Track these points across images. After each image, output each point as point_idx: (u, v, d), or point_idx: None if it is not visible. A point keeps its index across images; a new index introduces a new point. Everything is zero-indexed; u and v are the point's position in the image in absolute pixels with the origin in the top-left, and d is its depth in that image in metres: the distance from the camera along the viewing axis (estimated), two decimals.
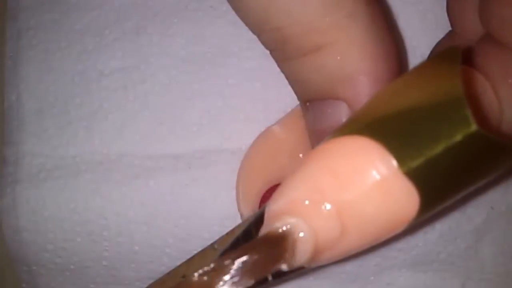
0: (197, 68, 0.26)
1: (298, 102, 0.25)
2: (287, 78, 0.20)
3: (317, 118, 0.20)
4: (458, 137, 0.15)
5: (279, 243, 0.16)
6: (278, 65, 0.20)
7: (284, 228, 0.16)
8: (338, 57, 0.18)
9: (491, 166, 0.16)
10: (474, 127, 0.15)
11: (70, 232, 0.26)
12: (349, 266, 0.26)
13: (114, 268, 0.26)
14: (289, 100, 0.26)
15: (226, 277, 0.15)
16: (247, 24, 0.19)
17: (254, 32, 0.20)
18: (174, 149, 0.26)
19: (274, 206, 0.16)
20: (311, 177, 0.16)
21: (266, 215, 0.17)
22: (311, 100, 0.20)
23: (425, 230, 0.26)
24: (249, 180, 0.24)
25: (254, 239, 0.16)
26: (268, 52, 0.26)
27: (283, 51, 0.19)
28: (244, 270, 0.15)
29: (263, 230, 0.16)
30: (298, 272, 0.17)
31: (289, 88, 0.26)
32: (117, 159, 0.26)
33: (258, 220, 0.17)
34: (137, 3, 0.27)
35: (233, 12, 0.26)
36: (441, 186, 0.16)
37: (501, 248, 0.27)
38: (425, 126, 0.15)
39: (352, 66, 0.18)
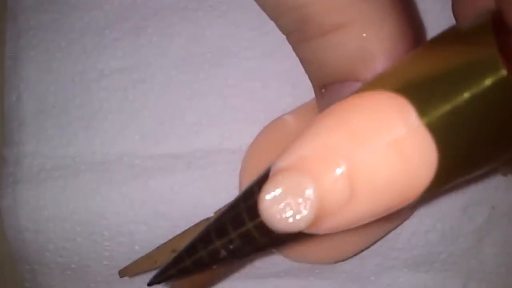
0: (197, 68, 0.26)
1: (298, 103, 0.25)
2: (303, 62, 0.20)
3: (334, 102, 0.20)
4: (487, 83, 0.14)
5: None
6: (295, 49, 0.20)
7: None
8: (358, 36, 0.18)
9: None
10: (503, 72, 0.14)
11: (70, 232, 0.26)
12: (349, 266, 0.26)
13: (114, 268, 0.26)
14: (289, 100, 0.26)
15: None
16: (265, 7, 0.19)
17: (271, 15, 0.19)
18: (174, 149, 0.26)
19: (281, 163, 0.15)
20: (324, 133, 0.15)
21: (271, 173, 0.15)
22: (327, 83, 0.19)
23: (426, 230, 0.26)
24: (255, 166, 0.24)
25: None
26: (268, 52, 0.26)
27: (302, 32, 0.19)
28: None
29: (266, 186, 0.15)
30: (296, 240, 0.16)
31: (289, 88, 0.26)
32: (117, 159, 0.26)
33: (261, 180, 0.16)
34: (137, 3, 0.27)
35: (233, 12, 0.27)
36: (463, 147, 0.15)
37: (502, 248, 0.26)
38: (452, 75, 0.14)
39: (371, 45, 0.18)
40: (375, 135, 0.14)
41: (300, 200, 0.15)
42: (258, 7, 0.27)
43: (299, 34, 0.19)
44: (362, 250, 0.25)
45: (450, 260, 0.26)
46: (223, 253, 0.17)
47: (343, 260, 0.25)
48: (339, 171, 0.14)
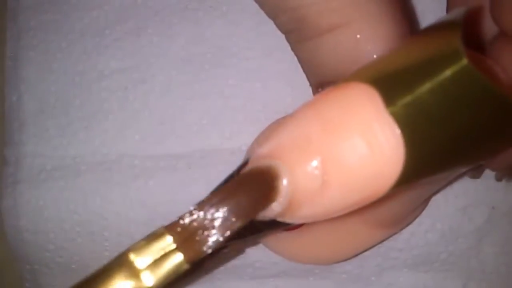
0: (197, 68, 0.26)
1: (298, 103, 0.25)
2: (301, 62, 0.20)
3: None
4: (448, 72, 0.14)
5: (263, 179, 0.15)
6: (293, 49, 0.20)
7: (268, 165, 0.15)
8: (353, 37, 0.18)
9: (489, 125, 0.15)
10: (465, 61, 0.14)
11: (70, 232, 0.26)
12: (350, 266, 0.26)
13: None
14: (289, 100, 0.26)
15: (214, 223, 0.14)
16: (264, 7, 0.19)
17: (270, 15, 0.19)
18: (174, 149, 0.26)
19: (259, 150, 0.16)
20: (300, 124, 0.15)
21: (250, 160, 0.16)
22: (324, 82, 0.20)
23: (426, 230, 0.26)
24: None
25: (236, 177, 0.15)
26: (268, 52, 0.26)
27: (299, 32, 0.19)
28: (229, 212, 0.15)
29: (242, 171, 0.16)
30: (272, 228, 0.16)
31: (289, 88, 0.26)
32: (117, 159, 0.26)
33: (241, 167, 0.16)
34: (137, 3, 0.27)
35: (233, 12, 0.27)
36: (431, 141, 0.15)
37: (502, 248, 0.26)
38: (417, 66, 0.15)
39: (367, 46, 0.18)
40: (346, 126, 0.15)
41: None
42: (258, 7, 0.27)
43: (297, 33, 0.19)
44: (362, 252, 0.25)
45: (450, 260, 0.26)
46: None
47: (343, 261, 0.25)
48: (312, 160, 0.15)
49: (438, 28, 0.16)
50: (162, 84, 0.26)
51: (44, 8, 0.27)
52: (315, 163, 0.15)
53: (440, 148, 0.15)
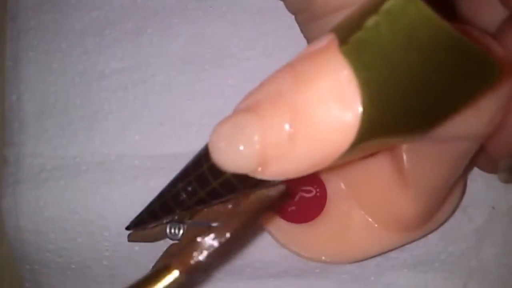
0: (197, 68, 0.26)
1: None
2: (309, 43, 0.20)
3: None
4: (390, 2, 0.13)
5: None
6: (302, 30, 0.20)
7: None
8: None
9: (445, 67, 0.15)
10: None
11: (70, 232, 0.26)
12: (349, 266, 0.26)
13: (114, 268, 0.26)
14: None
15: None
16: None
17: None
18: (174, 149, 0.26)
19: (241, 104, 0.16)
20: (276, 79, 0.15)
21: (232, 112, 0.16)
22: None
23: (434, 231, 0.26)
24: None
25: None
26: (268, 52, 0.26)
27: (308, 12, 0.19)
28: None
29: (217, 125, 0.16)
30: (247, 186, 0.16)
31: None
32: (117, 159, 0.26)
33: (206, 147, 0.16)
34: (137, 3, 0.27)
35: (233, 13, 0.27)
36: (387, 78, 0.14)
37: (502, 248, 0.26)
38: (368, 5, 0.14)
39: None
40: (312, 75, 0.15)
41: (244, 137, 0.15)
42: (258, 7, 0.27)
43: (305, 13, 0.19)
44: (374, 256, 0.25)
45: (450, 260, 0.26)
46: (182, 195, 0.18)
47: (351, 263, 0.26)
48: (281, 113, 0.15)
49: None
50: (162, 84, 0.26)
51: (44, 8, 0.27)
52: (284, 116, 0.15)
53: (399, 92, 0.15)
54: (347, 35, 0.14)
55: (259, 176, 0.16)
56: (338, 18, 0.18)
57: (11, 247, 0.26)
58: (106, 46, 0.26)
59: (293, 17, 0.21)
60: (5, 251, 0.27)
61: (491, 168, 0.24)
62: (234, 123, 0.15)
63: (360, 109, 0.14)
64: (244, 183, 0.17)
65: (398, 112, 0.15)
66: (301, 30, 0.20)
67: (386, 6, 0.14)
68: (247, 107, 0.15)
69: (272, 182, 0.17)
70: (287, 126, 0.15)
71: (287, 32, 0.26)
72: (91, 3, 0.27)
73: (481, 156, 0.23)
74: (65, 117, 0.26)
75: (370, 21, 0.14)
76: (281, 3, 0.20)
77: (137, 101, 0.26)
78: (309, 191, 0.25)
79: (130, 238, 0.22)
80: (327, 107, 0.14)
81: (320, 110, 0.15)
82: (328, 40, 0.15)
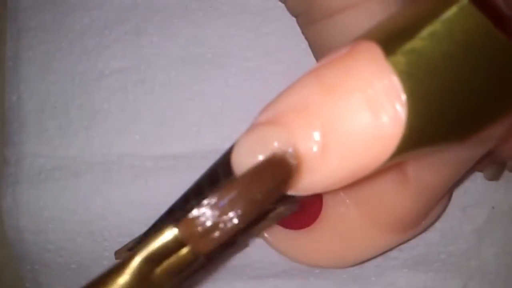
0: (197, 68, 0.26)
1: None
2: (311, 45, 0.20)
3: None
4: (448, 13, 0.13)
5: (277, 171, 0.14)
6: (303, 31, 0.20)
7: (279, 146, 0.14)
8: (364, 18, 0.18)
9: (496, 79, 0.14)
10: (465, 1, 0.13)
11: (70, 232, 0.26)
12: (350, 267, 0.26)
13: None
14: None
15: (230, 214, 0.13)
16: None
17: None
18: (174, 149, 0.26)
19: (258, 118, 0.15)
20: (300, 89, 0.14)
21: (251, 126, 0.15)
22: None
23: (426, 230, 0.26)
24: None
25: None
26: (268, 52, 0.26)
27: (309, 14, 0.19)
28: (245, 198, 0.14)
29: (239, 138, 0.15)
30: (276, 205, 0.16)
31: None
32: (117, 159, 0.26)
33: (224, 162, 0.15)
34: (137, 3, 0.27)
35: (233, 13, 0.26)
36: (435, 89, 0.14)
37: (502, 248, 0.26)
38: (417, 14, 0.14)
39: None
40: (345, 84, 0.14)
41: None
42: (258, 7, 0.27)
43: (307, 15, 0.19)
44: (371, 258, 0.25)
45: (450, 260, 0.26)
46: None
47: (349, 267, 0.25)
48: (310, 124, 0.14)
49: None
50: (162, 84, 0.26)
51: (44, 8, 0.27)
52: (314, 127, 0.14)
53: (445, 102, 0.14)
54: (394, 44, 0.13)
55: (289, 192, 0.15)
56: (339, 20, 0.18)
57: (11, 247, 0.26)
58: (106, 46, 0.26)
59: (293, 17, 0.21)
60: (6, 251, 0.27)
61: (478, 166, 0.24)
62: (259, 137, 0.14)
63: (404, 119, 0.14)
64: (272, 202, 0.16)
65: (441, 122, 0.15)
66: (303, 32, 0.20)
67: (446, 15, 0.13)
68: (270, 119, 0.15)
69: (295, 198, 0.16)
70: (318, 138, 0.14)
71: (287, 32, 0.26)
72: (91, 3, 0.27)
73: None
74: (65, 117, 0.26)
75: (424, 32, 0.13)
76: (281, 3, 0.21)
77: (137, 101, 0.26)
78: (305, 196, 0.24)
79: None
80: (363, 117, 0.14)
81: (354, 121, 0.14)
82: (368, 49, 0.14)
